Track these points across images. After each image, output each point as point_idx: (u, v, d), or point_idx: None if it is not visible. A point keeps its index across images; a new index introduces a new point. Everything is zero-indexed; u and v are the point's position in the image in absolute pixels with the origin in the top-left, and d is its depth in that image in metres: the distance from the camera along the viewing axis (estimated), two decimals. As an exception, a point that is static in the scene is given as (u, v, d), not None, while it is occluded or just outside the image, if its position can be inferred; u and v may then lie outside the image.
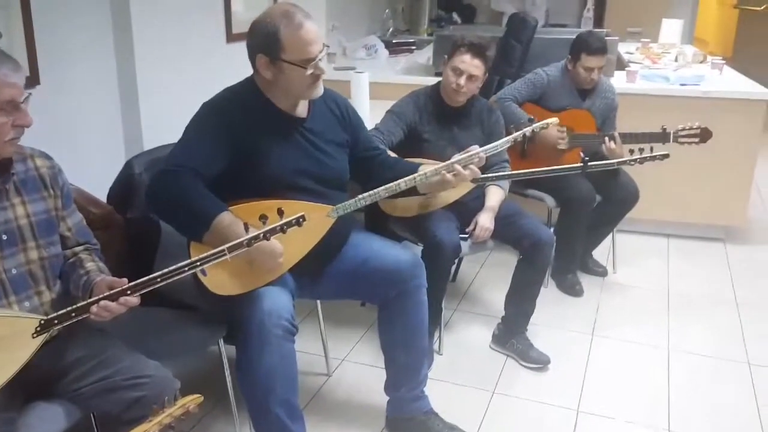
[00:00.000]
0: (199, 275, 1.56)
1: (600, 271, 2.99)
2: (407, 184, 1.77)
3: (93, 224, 1.72)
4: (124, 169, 1.97)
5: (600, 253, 3.05)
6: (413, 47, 4.50)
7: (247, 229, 1.42)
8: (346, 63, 3.87)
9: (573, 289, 2.81)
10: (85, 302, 1.30)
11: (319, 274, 1.82)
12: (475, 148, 1.85)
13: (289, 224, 1.43)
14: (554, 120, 2.00)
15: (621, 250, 3.10)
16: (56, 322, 1.30)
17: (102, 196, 1.91)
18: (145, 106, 2.32)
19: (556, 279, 2.87)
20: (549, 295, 2.74)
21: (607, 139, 2.61)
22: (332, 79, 3.52)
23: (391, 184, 1.74)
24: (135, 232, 1.92)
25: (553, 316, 2.62)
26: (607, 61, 2.80)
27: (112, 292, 1.31)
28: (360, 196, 1.71)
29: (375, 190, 1.72)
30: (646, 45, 4.40)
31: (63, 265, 1.48)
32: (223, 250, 1.37)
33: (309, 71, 1.61)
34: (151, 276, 1.32)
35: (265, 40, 1.60)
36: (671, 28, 4.56)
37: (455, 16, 5.77)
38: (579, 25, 5.81)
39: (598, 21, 5.71)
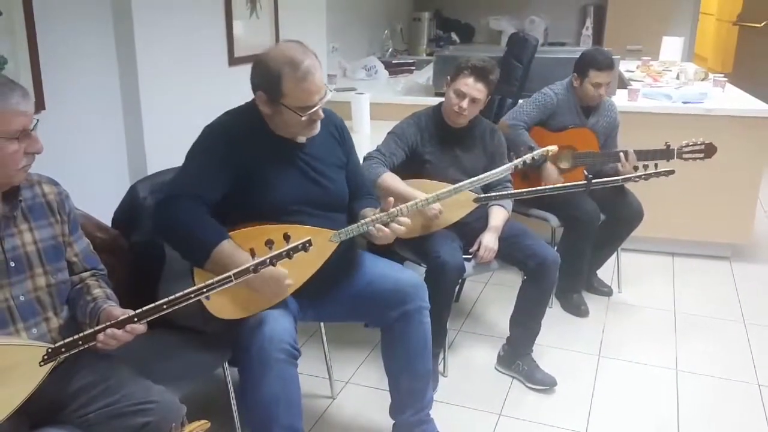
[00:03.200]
0: (202, 299, 1.56)
1: (605, 291, 2.98)
2: (400, 212, 1.73)
3: (99, 249, 1.73)
4: (129, 194, 1.98)
5: (605, 272, 3.04)
6: (413, 67, 4.54)
7: (253, 254, 1.42)
8: (347, 84, 3.90)
9: (578, 310, 2.79)
10: (92, 330, 1.30)
11: (324, 297, 1.82)
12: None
13: (295, 249, 1.43)
14: (553, 147, 2.05)
15: (626, 269, 3.09)
16: (63, 350, 1.30)
17: (107, 220, 1.92)
18: (148, 129, 2.33)
19: (560, 299, 2.85)
20: (554, 316, 2.73)
21: (622, 155, 2.60)
22: (333, 100, 3.49)
23: (392, 210, 1.72)
24: (139, 256, 1.92)
25: (558, 336, 2.60)
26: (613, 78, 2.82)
27: (119, 320, 1.30)
28: (362, 221, 1.71)
29: (378, 215, 1.72)
30: (646, 63, 4.43)
31: (70, 291, 1.48)
32: (230, 277, 1.37)
33: (305, 118, 1.62)
34: (157, 303, 1.32)
35: (266, 81, 1.61)
36: (672, 46, 4.60)
37: (454, 35, 5.82)
38: (578, 43, 5.86)
39: (597, 39, 5.74)
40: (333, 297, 1.83)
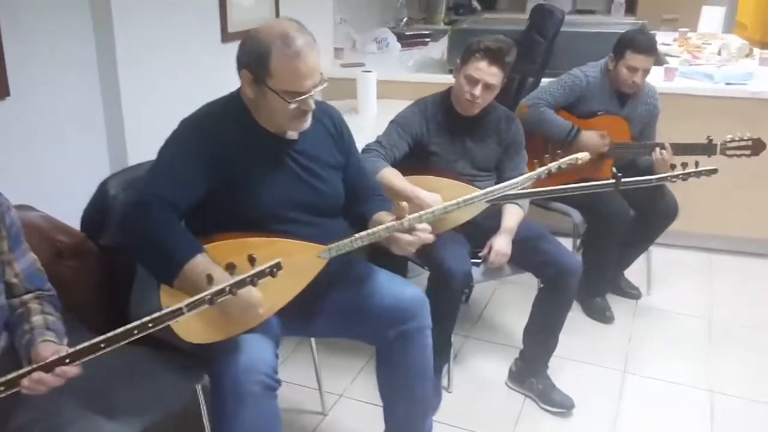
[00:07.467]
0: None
1: (633, 294, 2.70)
2: (409, 223, 1.51)
3: (63, 254, 1.57)
4: (98, 191, 1.77)
5: (632, 271, 2.74)
6: (428, 39, 4.24)
7: (210, 280, 1.20)
8: (355, 58, 3.64)
9: (602, 315, 2.53)
10: (14, 374, 1.10)
11: (311, 314, 1.61)
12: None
13: (260, 275, 1.22)
14: (585, 155, 1.79)
15: (656, 267, 2.79)
16: (-18, 395, 1.11)
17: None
18: (129, 115, 2.12)
19: (582, 303, 2.59)
20: (575, 322, 2.44)
21: (658, 149, 2.32)
22: (338, 77, 3.24)
23: (391, 223, 1.50)
24: (109, 260, 1.73)
25: (579, 347, 2.34)
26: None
27: (46, 362, 1.10)
28: (357, 236, 1.49)
29: (374, 229, 1.50)
30: (684, 35, 4.05)
31: (10, 316, 1.29)
32: (181, 309, 1.16)
33: (293, 105, 1.40)
34: (93, 341, 1.12)
35: (253, 58, 1.40)
36: (712, 16, 4.20)
37: (475, 2, 5.47)
38: (608, 11, 5.49)
39: (630, 7, 5.35)
40: (322, 312, 1.62)
